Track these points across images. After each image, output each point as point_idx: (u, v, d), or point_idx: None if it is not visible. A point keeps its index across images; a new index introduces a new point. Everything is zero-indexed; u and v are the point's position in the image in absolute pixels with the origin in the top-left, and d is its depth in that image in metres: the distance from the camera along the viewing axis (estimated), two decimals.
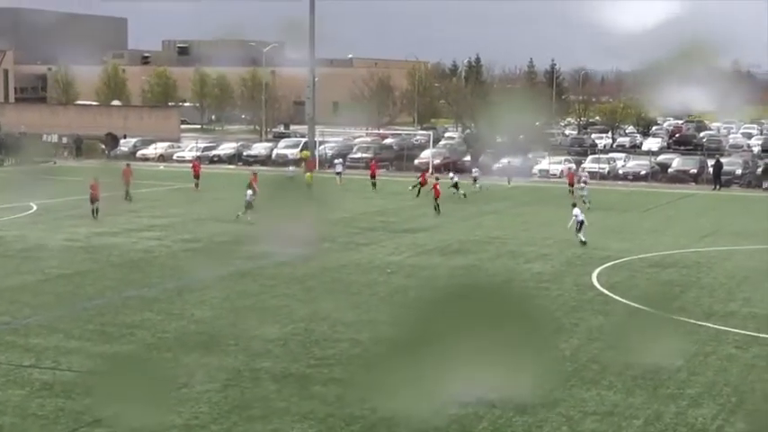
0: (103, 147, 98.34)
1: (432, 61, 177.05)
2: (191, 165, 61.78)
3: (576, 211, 43.48)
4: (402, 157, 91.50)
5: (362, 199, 58.55)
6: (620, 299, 33.51)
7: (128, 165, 62.75)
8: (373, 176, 69.52)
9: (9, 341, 26.95)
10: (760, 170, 79.65)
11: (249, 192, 53.38)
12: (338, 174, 74.16)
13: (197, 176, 62.75)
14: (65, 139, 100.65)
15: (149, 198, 56.30)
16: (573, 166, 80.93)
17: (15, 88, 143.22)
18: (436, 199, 57.55)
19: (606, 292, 34.64)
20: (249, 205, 52.10)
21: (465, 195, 60.94)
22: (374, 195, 63.96)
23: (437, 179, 62.87)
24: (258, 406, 21.58)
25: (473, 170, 69.39)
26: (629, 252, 42.65)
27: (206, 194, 62.21)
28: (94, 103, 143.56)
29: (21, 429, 20.46)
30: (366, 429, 20.14)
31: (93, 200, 49.73)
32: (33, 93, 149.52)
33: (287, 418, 20.72)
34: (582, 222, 43.02)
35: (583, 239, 42.80)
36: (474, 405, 21.01)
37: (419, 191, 60.93)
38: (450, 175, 64.79)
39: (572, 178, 68.42)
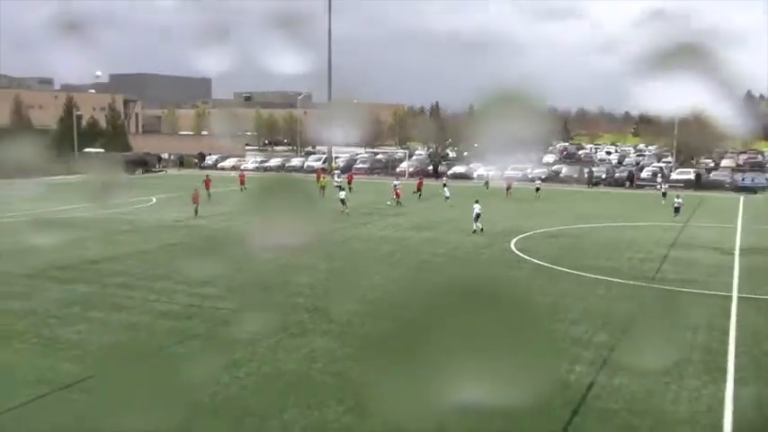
0: (196, 161, 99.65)
1: (408, 104, 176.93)
2: (238, 175, 58.55)
3: (477, 205, 41.31)
4: (387, 167, 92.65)
5: (359, 195, 58.46)
6: (529, 258, 33.86)
7: (207, 176, 62.57)
8: (349, 182, 65.97)
9: (141, 285, 27.25)
10: (624, 175, 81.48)
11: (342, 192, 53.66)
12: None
13: (242, 183, 59.67)
14: (172, 156, 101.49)
15: (225, 195, 56.18)
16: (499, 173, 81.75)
17: (142, 125, 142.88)
18: (418, 191, 59.61)
19: (520, 253, 35.00)
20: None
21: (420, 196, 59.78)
22: (367, 193, 63.79)
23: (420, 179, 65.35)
24: (295, 327, 21.89)
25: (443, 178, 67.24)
26: (534, 228, 43.00)
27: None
28: (191, 133, 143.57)
29: (149, 341, 20.80)
30: (365, 339, 20.44)
31: (195, 201, 48.23)
32: (153, 127, 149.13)
33: (315, 335, 21.08)
34: (478, 215, 41.00)
35: (479, 227, 40.85)
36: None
37: (420, 195, 59.71)
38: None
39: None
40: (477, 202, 41.83)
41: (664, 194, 54.90)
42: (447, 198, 55.26)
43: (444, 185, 60.19)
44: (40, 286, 27.30)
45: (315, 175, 73.01)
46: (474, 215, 40.88)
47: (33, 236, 38.19)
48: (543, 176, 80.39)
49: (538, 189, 63.40)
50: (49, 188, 59.74)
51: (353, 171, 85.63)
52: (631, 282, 29.09)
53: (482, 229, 40.63)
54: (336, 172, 75.23)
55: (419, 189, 60.37)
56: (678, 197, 48.49)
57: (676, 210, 45.69)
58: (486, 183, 68.05)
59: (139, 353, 19.87)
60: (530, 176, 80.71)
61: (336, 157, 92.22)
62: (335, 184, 56.63)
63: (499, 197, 59.53)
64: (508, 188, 62.23)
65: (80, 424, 15.25)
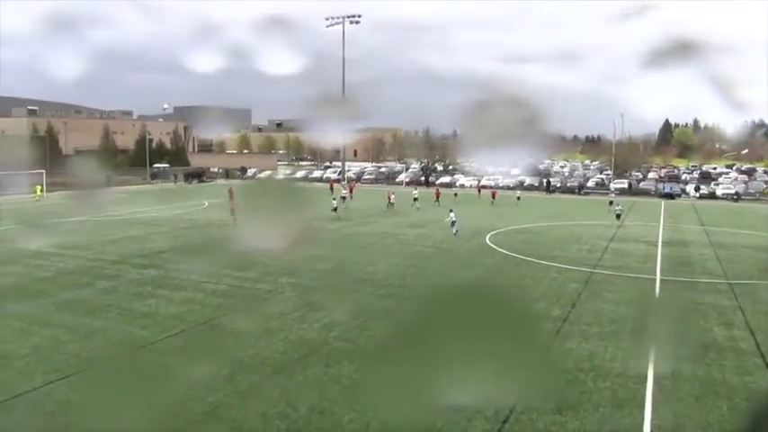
0: (239, 173, 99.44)
1: (405, 128, 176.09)
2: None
3: (452, 214, 39.43)
4: (388, 177, 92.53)
5: (366, 199, 58.36)
6: (501, 249, 33.79)
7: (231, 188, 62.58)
8: (351, 191, 64.18)
9: (194, 269, 27.25)
10: (574, 184, 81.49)
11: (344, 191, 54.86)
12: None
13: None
14: (220, 170, 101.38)
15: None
16: (475, 182, 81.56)
17: (198, 145, 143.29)
18: (437, 198, 57.18)
19: (494, 246, 34.92)
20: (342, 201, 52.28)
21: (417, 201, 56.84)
22: (372, 198, 63.71)
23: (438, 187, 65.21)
24: (317, 303, 21.90)
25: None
26: (505, 225, 42.95)
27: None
28: (235, 152, 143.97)
29: (202, 313, 20.82)
30: (370, 313, 20.50)
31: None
32: (206, 148, 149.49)
33: (331, 309, 21.08)
34: (454, 222, 38.86)
35: (455, 232, 38.42)
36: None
37: (438, 200, 57.04)
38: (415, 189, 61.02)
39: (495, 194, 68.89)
40: (451, 211, 40.10)
41: (611, 203, 53.72)
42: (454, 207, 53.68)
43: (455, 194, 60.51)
44: (122, 270, 27.42)
45: (329, 184, 73.01)
46: (450, 222, 38.94)
47: (117, 231, 38.36)
48: (512, 185, 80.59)
49: (519, 198, 61.74)
50: (129, 195, 59.93)
51: (360, 181, 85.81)
52: (580, 268, 29.04)
53: (456, 233, 38.36)
54: (343, 183, 74.60)
55: (437, 197, 57.98)
56: (619, 205, 48.10)
57: (617, 216, 45.35)
58: (456, 193, 65.00)
59: (196, 322, 19.99)
60: (501, 185, 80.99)
61: (348, 170, 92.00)
62: (342, 194, 55.73)
63: (485, 203, 59.05)
64: (493, 195, 60.13)
65: (153, 373, 15.37)
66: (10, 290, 24.34)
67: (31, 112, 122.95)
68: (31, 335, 18.71)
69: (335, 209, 47.15)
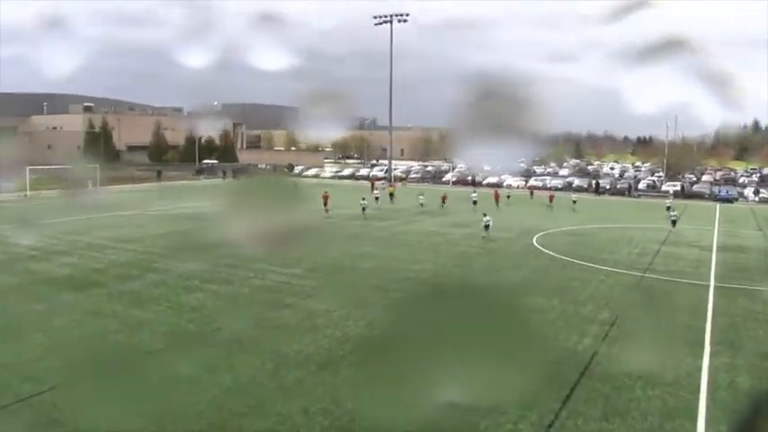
0: (286, 170, 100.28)
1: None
2: (322, 195, 47.91)
3: (487, 217, 38.41)
4: (434, 177, 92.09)
5: (412, 198, 58.11)
6: (547, 251, 33.40)
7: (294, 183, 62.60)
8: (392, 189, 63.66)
9: (243, 265, 27.39)
10: (624, 186, 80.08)
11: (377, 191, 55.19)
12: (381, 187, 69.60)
13: (325, 204, 47.72)
14: (267, 166, 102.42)
15: (311, 195, 56.19)
16: (523, 183, 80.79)
17: (246, 142, 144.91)
18: (497, 201, 54.91)
19: (540, 247, 34.53)
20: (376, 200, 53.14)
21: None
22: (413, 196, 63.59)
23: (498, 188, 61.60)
24: (360, 302, 21.91)
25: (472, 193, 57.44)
26: (552, 227, 42.41)
27: (337, 195, 62.50)
28: (282, 149, 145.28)
29: (249, 308, 21.03)
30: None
31: (326, 203, 46.50)
32: (253, 144, 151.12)
33: (376, 308, 21.03)
34: (488, 225, 37.89)
35: (483, 235, 37.35)
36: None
37: (497, 202, 54.99)
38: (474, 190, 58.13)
39: (535, 191, 67.28)
40: (485, 215, 38.94)
41: (668, 208, 50.01)
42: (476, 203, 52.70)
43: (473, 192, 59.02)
44: (171, 263, 27.85)
45: (370, 183, 72.71)
46: (483, 225, 38.04)
47: (166, 225, 38.96)
48: (560, 185, 79.55)
49: (575, 201, 58.05)
50: (177, 190, 60.77)
51: (407, 180, 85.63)
52: (629, 271, 28.52)
53: (484, 236, 37.25)
54: (382, 183, 73.78)
55: (497, 199, 55.83)
56: (675, 211, 46.58)
57: (673, 223, 44.02)
58: (508, 195, 61.46)
59: (241, 317, 20.19)
60: (548, 186, 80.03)
61: (395, 169, 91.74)
62: (375, 194, 55.15)
63: (537, 205, 58.16)
64: (551, 199, 57.37)
65: (199, 364, 15.60)
66: (65, 280, 24.98)
67: (87, 109, 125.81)
68: (83, 324, 19.18)
69: (364, 209, 47.06)
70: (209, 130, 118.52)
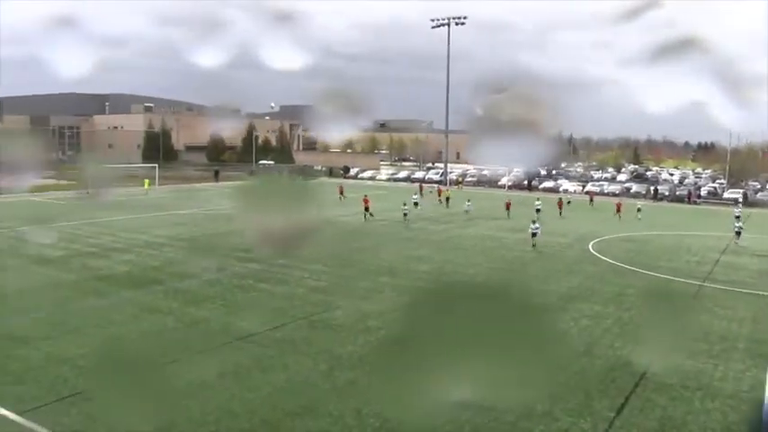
0: (342, 172, 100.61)
1: None
2: (363, 199, 47.16)
3: (535, 224, 36.22)
4: (491, 181, 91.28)
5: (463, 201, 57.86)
6: (604, 258, 32.90)
7: (341, 185, 63.37)
8: (440, 194, 61.82)
9: (297, 265, 27.63)
10: (684, 193, 78.14)
11: (415, 196, 53.36)
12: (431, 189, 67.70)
13: (367, 209, 46.37)
14: (323, 168, 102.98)
15: (357, 197, 56.46)
16: (579, 188, 79.67)
17: (302, 143, 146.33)
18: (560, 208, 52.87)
19: (596, 254, 34.03)
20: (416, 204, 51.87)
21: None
22: (474, 201, 63.09)
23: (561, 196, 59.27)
24: (413, 303, 21.90)
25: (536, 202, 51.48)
26: (609, 233, 41.72)
27: (391, 197, 62.54)
28: (338, 150, 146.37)
29: (301, 308, 21.21)
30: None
31: (367, 208, 45.94)
32: (310, 146, 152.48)
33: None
34: (535, 233, 35.49)
35: (533, 244, 35.10)
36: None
37: (561, 209, 52.60)
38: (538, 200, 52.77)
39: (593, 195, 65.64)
40: (534, 222, 36.84)
41: (737, 217, 44.34)
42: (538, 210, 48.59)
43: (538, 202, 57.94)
44: (227, 263, 28.26)
45: (418, 186, 72.04)
46: (530, 233, 35.71)
47: (222, 224, 39.58)
48: (617, 191, 78.21)
49: (639, 209, 53.49)
50: (234, 190, 61.58)
51: (463, 183, 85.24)
52: (687, 280, 27.90)
53: (534, 245, 35.16)
54: (430, 187, 72.71)
55: (560, 207, 53.22)
56: (740, 222, 44.28)
57: (737, 233, 42.16)
58: (569, 201, 58.71)
59: (296, 317, 20.39)
60: (606, 191, 78.75)
61: (450, 172, 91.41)
62: (413, 199, 52.39)
63: (598, 211, 57.20)
64: (618, 208, 52.00)
65: (253, 363, 15.84)
66: (124, 277, 25.64)
67: (147, 109, 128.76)
68: (141, 320, 19.66)
69: (406, 214, 45.57)
70: (266, 130, 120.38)
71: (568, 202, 57.88)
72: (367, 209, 45.91)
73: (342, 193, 58.93)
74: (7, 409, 12.79)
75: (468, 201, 52.08)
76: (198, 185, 73.35)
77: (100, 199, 49.48)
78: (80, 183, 55.97)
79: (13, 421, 12.43)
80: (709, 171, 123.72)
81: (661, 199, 75.47)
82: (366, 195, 47.65)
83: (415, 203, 51.76)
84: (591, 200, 63.69)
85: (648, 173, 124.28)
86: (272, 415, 13.16)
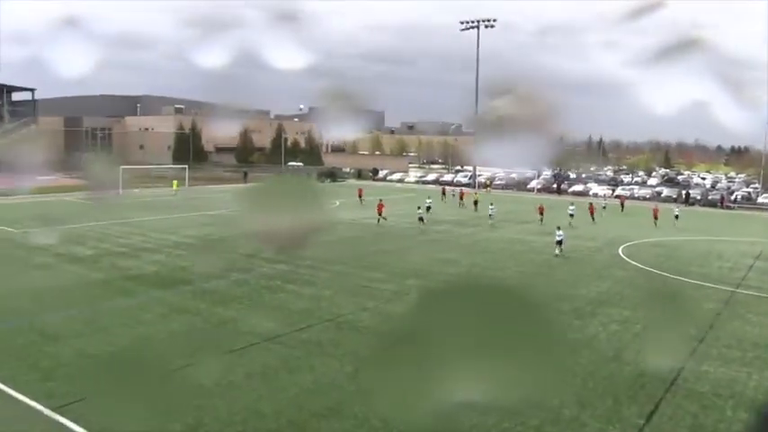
0: (371, 174, 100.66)
1: None
2: (377, 205, 46.17)
3: (559, 231, 34.05)
4: (519, 183, 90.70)
5: (495, 204, 57.57)
6: (633, 262, 32.55)
7: (360, 188, 63.31)
8: (462, 198, 61.27)
9: (324, 267, 27.69)
10: (716, 197, 76.97)
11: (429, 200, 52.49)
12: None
13: (380, 213, 45.46)
14: (351, 170, 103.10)
15: (393, 200, 56.33)
16: (609, 192, 78.83)
17: (331, 145, 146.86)
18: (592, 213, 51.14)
19: (626, 258, 33.68)
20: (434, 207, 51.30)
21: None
22: (503, 204, 62.71)
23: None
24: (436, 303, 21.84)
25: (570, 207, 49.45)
26: (638, 238, 41.28)
27: (419, 199, 62.36)
28: (367, 153, 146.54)
29: (328, 310, 21.24)
30: None
31: (380, 212, 45.17)
32: (339, 148, 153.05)
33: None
34: (560, 241, 33.59)
35: (556, 252, 33.29)
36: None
37: (593, 215, 50.46)
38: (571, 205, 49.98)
39: (623, 200, 64.17)
40: (558, 228, 34.70)
41: None
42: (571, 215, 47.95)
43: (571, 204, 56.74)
44: (254, 264, 28.42)
45: (441, 189, 71.22)
46: (556, 240, 33.94)
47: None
48: (647, 195, 77.30)
49: (677, 216, 50.78)
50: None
51: (491, 186, 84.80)
52: (719, 286, 27.48)
53: (557, 254, 33.29)
54: (451, 190, 71.48)
55: (592, 212, 51.00)
56: None
57: None
58: (604, 206, 57.45)
59: (322, 318, 20.44)
60: (636, 195, 77.96)
61: (479, 175, 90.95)
62: (427, 203, 49.50)
63: (629, 216, 56.45)
64: (656, 215, 49.94)
65: (280, 364, 15.90)
66: (153, 276, 25.92)
67: (178, 111, 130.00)
68: (169, 320, 19.85)
69: (422, 218, 43.86)
70: (295, 132, 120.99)
71: (604, 207, 56.72)
72: (380, 213, 45.24)
73: (361, 196, 58.83)
74: (39, 404, 12.99)
75: (492, 204, 48.96)
76: (227, 186, 73.92)
77: (131, 199, 50.07)
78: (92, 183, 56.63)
79: (45, 416, 12.61)
80: (742, 175, 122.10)
81: (693, 203, 74.50)
82: (381, 200, 47.23)
83: (428, 207, 48.94)
84: (622, 204, 62.16)
85: (680, 177, 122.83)
86: (299, 416, 13.20)
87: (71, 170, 51.02)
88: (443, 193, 67.08)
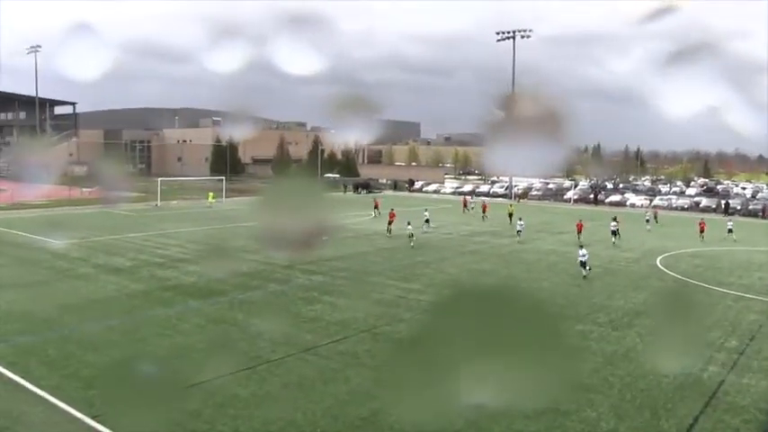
0: (407, 185, 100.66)
1: (576, 144, 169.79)
2: (389, 214, 45.51)
3: (582, 251, 30.82)
4: (556, 194, 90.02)
5: (532, 217, 57.16)
6: (671, 273, 32.10)
7: (375, 199, 61.93)
8: (484, 210, 57.02)
9: (361, 279, 27.86)
10: (757, 207, 75.44)
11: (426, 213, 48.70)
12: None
13: (390, 223, 44.50)
14: (388, 182, 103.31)
15: (429, 211, 55.99)
16: (647, 202, 77.69)
17: (367, 156, 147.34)
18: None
19: (664, 269, 33.22)
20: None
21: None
22: (541, 215, 62.19)
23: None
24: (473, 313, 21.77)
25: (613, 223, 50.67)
26: (677, 248, 40.67)
27: (455, 210, 62.13)
28: (403, 164, 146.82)
29: (364, 321, 21.30)
30: None
31: (390, 222, 44.39)
32: (375, 159, 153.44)
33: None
34: (583, 262, 30.35)
35: (584, 274, 30.10)
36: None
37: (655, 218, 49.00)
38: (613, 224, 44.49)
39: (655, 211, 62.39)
40: (581, 247, 31.68)
41: None
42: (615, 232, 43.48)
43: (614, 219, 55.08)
44: (292, 275, 28.63)
45: (461, 200, 68.92)
46: (579, 261, 30.82)
47: None
48: (686, 205, 76.13)
49: (731, 230, 47.62)
50: None
51: (527, 197, 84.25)
52: (761, 297, 26.94)
53: (585, 275, 30.20)
54: (473, 201, 68.42)
55: (614, 236, 43.55)
56: None
57: None
58: (614, 232, 55.91)
59: (359, 329, 20.49)
60: (674, 205, 76.84)
61: (515, 186, 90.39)
62: (425, 216, 46.84)
63: (634, 221, 55.50)
64: (702, 229, 46.18)
65: (316, 374, 15.99)
66: (191, 287, 26.24)
67: (215, 123, 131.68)
68: (206, 330, 20.08)
69: (411, 235, 39.36)
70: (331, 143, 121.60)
71: (647, 221, 53.82)
72: (390, 222, 44.57)
73: (377, 207, 56.78)
74: (80, 413, 13.24)
75: (521, 220, 44.65)
76: None
77: (169, 211, 50.82)
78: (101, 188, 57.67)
79: (86, 424, 12.84)
80: None
81: (732, 213, 73.10)
82: (392, 210, 46.62)
83: (426, 221, 46.26)
84: (655, 216, 57.63)
85: (719, 186, 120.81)
86: (334, 426, 13.26)
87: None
88: (465, 205, 64.45)
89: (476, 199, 73.18)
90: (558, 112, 4.20)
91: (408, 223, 40.54)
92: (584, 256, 30.74)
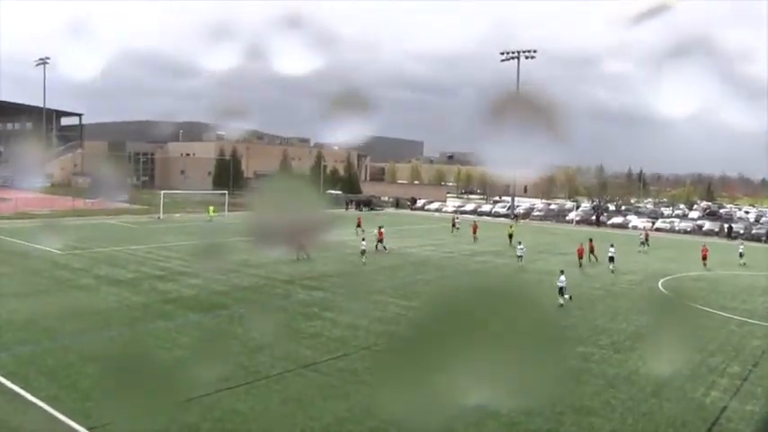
0: (409, 203, 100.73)
1: (576, 165, 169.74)
2: (377, 232, 45.30)
3: (562, 277, 28.30)
4: (558, 215, 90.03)
5: (535, 236, 57.16)
6: (673, 295, 32.07)
7: (359, 218, 60.32)
8: (474, 231, 54.86)
9: (362, 296, 27.80)
10: (761, 231, 75.26)
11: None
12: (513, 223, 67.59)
13: (380, 241, 44.23)
14: (390, 199, 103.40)
15: (430, 229, 56.14)
16: (648, 224, 77.45)
17: (370, 174, 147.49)
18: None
19: (665, 292, 33.16)
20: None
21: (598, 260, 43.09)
22: (541, 235, 62.18)
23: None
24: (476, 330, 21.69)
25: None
26: (679, 272, 40.55)
27: (459, 229, 62.01)
28: (405, 182, 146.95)
29: (364, 338, 21.25)
30: None
31: (380, 240, 44.21)
32: (378, 176, 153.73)
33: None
34: (561, 288, 27.93)
35: (560, 302, 27.65)
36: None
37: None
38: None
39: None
40: (562, 272, 28.85)
41: None
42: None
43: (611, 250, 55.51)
44: (292, 290, 28.58)
45: (451, 220, 67.16)
46: (558, 288, 28.20)
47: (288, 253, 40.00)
48: (688, 228, 76.02)
49: (742, 254, 47.71)
50: None
51: (529, 218, 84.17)
52: (764, 323, 26.80)
53: (564, 303, 27.92)
54: (459, 220, 65.88)
55: (705, 257, 43.99)
56: None
57: None
58: (611, 257, 54.24)
59: (359, 347, 20.40)
60: (676, 228, 76.73)
61: (518, 206, 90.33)
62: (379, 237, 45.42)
63: (685, 251, 55.44)
64: (704, 257, 44.18)
65: (316, 391, 15.90)
66: (191, 300, 26.18)
67: (219, 137, 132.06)
68: (206, 344, 20.01)
69: (363, 251, 39.35)
70: (334, 160, 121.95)
71: (641, 244, 52.93)
72: (380, 240, 44.38)
73: (360, 225, 53.54)
74: (77, 424, 13.16)
75: (520, 244, 42.30)
76: None
77: (171, 223, 50.82)
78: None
79: None
80: None
81: (735, 237, 72.94)
82: (381, 227, 46.24)
83: (380, 241, 44.85)
84: (646, 238, 54.90)
85: (722, 210, 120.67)
86: None
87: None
88: (453, 224, 62.00)
89: (462, 217, 71.90)
90: (555, 109, 4.22)
91: (363, 239, 40.72)
92: (562, 282, 28.37)
